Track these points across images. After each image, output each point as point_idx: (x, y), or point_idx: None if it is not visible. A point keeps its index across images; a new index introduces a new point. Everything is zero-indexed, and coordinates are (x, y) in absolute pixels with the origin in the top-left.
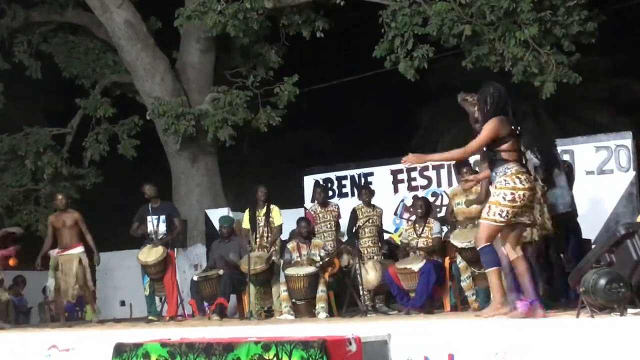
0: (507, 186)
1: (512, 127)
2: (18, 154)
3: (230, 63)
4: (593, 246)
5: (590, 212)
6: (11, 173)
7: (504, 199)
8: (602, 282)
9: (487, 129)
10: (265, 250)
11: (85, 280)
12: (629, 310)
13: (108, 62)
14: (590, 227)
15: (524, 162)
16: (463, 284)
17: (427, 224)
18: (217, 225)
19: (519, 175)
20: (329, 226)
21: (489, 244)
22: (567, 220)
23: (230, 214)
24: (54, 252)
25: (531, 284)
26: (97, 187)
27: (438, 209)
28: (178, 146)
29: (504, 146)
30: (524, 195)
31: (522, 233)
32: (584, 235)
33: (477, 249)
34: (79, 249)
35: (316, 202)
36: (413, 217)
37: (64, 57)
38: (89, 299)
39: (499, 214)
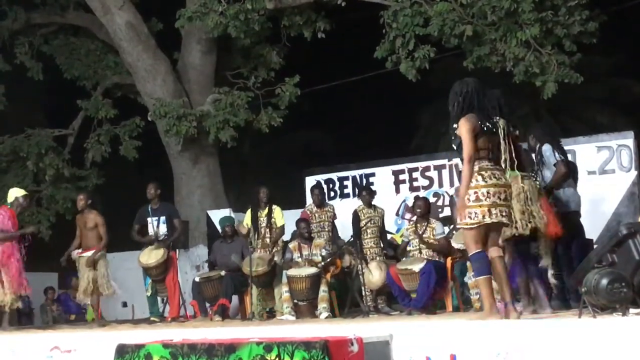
0: (470, 186)
1: (480, 123)
2: (20, 156)
3: (231, 64)
4: (595, 246)
5: (592, 212)
6: (13, 174)
7: (469, 200)
8: (604, 282)
9: (464, 131)
10: (267, 251)
11: (96, 286)
12: (631, 311)
13: (109, 64)
14: (592, 227)
15: (495, 158)
16: (469, 282)
17: (428, 224)
18: (218, 226)
19: (482, 173)
20: (324, 226)
21: (479, 250)
22: (575, 219)
23: (232, 215)
24: (74, 253)
25: (507, 285)
26: (99, 188)
27: (440, 210)
28: (179, 147)
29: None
30: (487, 192)
31: (499, 233)
32: (586, 235)
33: (469, 255)
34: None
35: (313, 202)
36: (414, 218)
37: (65, 59)
38: (94, 303)
39: (469, 216)
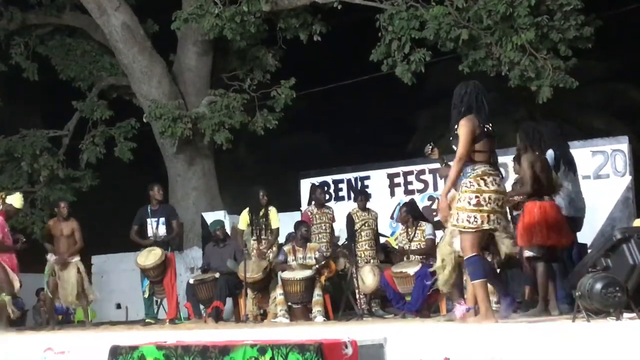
0: (472, 189)
1: (482, 126)
2: (14, 156)
3: (227, 66)
4: (589, 251)
5: (587, 216)
6: (7, 175)
7: (469, 203)
8: (598, 286)
9: (463, 132)
10: (263, 255)
11: (83, 288)
12: (625, 315)
13: (105, 65)
14: (586, 231)
15: (494, 162)
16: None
17: (418, 227)
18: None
19: (484, 177)
20: (324, 228)
21: (474, 254)
22: (577, 224)
23: (227, 217)
24: (51, 258)
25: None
26: (93, 189)
27: (434, 213)
28: (175, 149)
29: (474, 146)
30: (489, 198)
31: (483, 239)
32: (580, 240)
33: (464, 259)
34: (76, 257)
35: (314, 202)
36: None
37: (61, 60)
38: (84, 306)
39: (467, 220)
